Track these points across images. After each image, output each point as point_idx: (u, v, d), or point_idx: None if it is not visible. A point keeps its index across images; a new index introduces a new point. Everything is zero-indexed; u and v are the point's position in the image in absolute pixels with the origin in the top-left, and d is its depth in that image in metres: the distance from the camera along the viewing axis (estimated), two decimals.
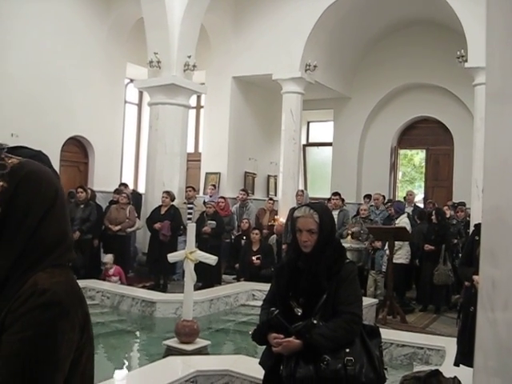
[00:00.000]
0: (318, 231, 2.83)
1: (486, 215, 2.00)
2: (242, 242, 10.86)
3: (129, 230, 10.51)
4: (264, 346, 2.98)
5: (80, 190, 10.07)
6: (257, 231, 10.28)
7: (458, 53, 10.74)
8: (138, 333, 7.39)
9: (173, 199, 10.43)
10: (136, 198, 11.72)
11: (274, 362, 2.84)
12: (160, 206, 10.39)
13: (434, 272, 8.94)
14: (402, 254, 9.09)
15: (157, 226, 10.04)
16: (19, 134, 9.92)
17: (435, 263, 9.02)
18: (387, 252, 8.89)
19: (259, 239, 10.16)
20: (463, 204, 11.66)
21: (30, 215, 1.36)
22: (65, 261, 1.43)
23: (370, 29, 13.99)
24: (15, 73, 10.85)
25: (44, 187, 1.40)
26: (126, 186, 12.28)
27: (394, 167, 15.50)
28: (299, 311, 2.81)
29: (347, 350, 2.70)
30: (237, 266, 10.67)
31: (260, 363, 3.02)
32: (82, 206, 9.97)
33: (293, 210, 6.99)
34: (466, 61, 10.40)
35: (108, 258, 9.56)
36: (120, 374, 5.57)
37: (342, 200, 11.28)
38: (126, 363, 6.24)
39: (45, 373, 1.27)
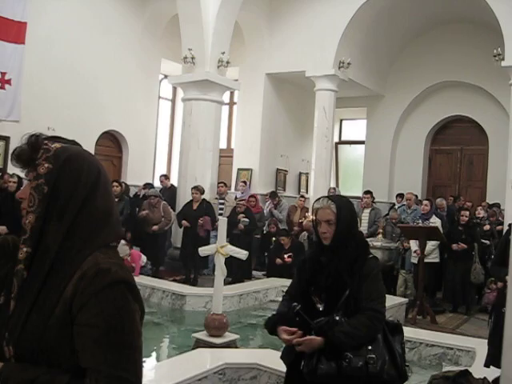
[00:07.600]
0: (336, 221, 2.78)
1: None
2: (273, 238, 10.85)
3: (166, 227, 10.55)
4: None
5: (115, 184, 10.04)
6: (283, 237, 10.02)
7: (495, 51, 10.55)
8: (167, 325, 7.47)
9: (202, 193, 10.37)
10: (173, 193, 11.75)
11: (295, 357, 2.80)
12: (191, 201, 10.36)
13: (471, 271, 8.88)
14: (433, 252, 9.03)
15: (184, 223, 10.03)
16: (55, 127, 10.09)
17: (466, 263, 8.94)
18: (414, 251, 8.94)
19: (289, 240, 10.00)
20: (498, 205, 11.48)
21: (75, 193, 1.44)
22: (114, 240, 1.51)
23: (405, 27, 13.84)
24: (52, 67, 11.06)
25: (86, 167, 1.48)
26: (167, 177, 12.47)
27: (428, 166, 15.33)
28: (321, 307, 2.77)
29: (369, 348, 2.66)
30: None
31: (281, 358, 2.98)
32: (116, 200, 10.02)
33: None
34: (503, 59, 10.21)
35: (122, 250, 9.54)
36: (149, 365, 5.63)
37: (373, 198, 11.20)
38: (155, 354, 6.30)
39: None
